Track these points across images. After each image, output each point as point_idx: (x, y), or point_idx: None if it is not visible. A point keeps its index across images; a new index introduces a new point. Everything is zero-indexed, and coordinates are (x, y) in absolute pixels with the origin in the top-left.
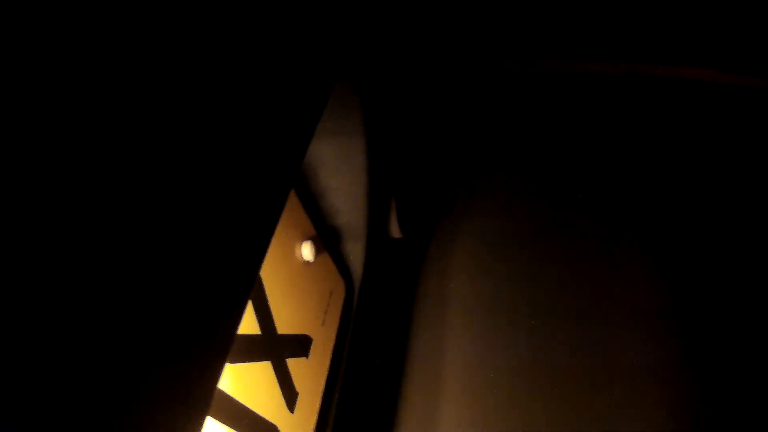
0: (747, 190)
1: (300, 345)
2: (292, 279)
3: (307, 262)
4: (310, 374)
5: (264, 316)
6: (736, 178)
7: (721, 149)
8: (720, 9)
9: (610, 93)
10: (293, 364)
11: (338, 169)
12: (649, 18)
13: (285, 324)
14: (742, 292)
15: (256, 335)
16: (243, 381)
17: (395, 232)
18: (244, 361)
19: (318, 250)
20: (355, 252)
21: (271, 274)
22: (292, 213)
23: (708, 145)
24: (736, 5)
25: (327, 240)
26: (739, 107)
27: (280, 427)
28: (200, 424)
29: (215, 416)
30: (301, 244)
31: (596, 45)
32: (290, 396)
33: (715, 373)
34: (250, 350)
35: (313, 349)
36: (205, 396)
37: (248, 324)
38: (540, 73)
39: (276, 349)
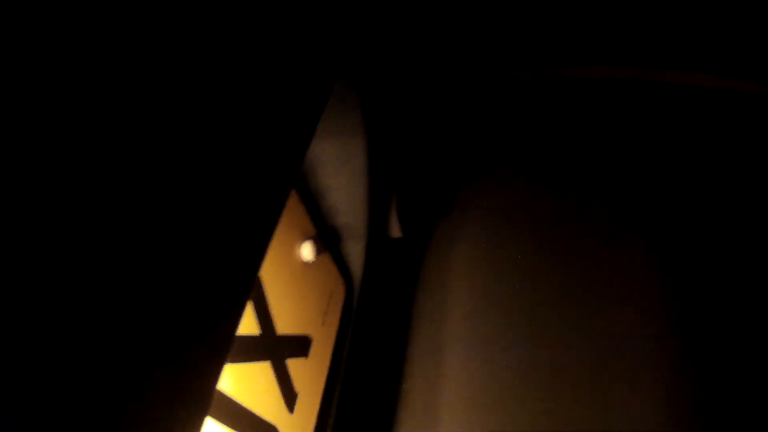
0: (750, 191)
1: (299, 345)
2: (292, 279)
3: (307, 262)
4: (309, 374)
5: (264, 316)
6: (739, 180)
7: (722, 153)
8: (718, 13)
9: (607, 95)
10: (293, 364)
11: (338, 169)
12: (648, 22)
13: (285, 324)
14: (743, 291)
15: (256, 335)
16: (243, 381)
17: (395, 232)
18: (243, 362)
19: (318, 250)
20: (355, 252)
21: (271, 274)
22: (292, 213)
23: (709, 148)
24: (734, 9)
25: (327, 240)
26: (737, 111)
27: (279, 428)
28: (200, 424)
29: (215, 416)
30: (301, 244)
31: (593, 49)
32: (290, 396)
33: (715, 372)
34: (250, 350)
35: (313, 350)
36: (204, 396)
37: (248, 324)
38: (538, 76)
39: (275, 349)
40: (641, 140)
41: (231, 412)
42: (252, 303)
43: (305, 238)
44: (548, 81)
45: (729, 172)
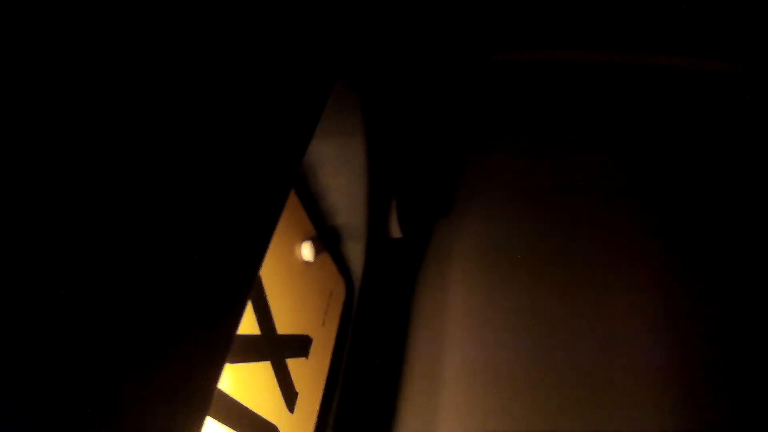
0: (751, 182)
1: (300, 345)
2: (292, 279)
3: (307, 262)
4: (310, 374)
5: (264, 316)
6: (737, 168)
7: (711, 134)
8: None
9: (607, 86)
10: (293, 364)
11: (338, 169)
12: (634, 7)
13: (285, 324)
14: (744, 290)
15: (256, 335)
16: (243, 381)
17: (395, 232)
18: (244, 361)
19: (318, 250)
20: (355, 252)
21: (271, 274)
22: (292, 213)
23: (700, 133)
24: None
25: (327, 240)
26: (720, 92)
27: (279, 427)
28: (200, 424)
29: (215, 416)
30: (301, 244)
31: (581, 34)
32: (290, 396)
33: (719, 371)
34: (250, 350)
35: (313, 349)
36: (205, 396)
37: (248, 324)
38: (533, 67)
39: (276, 349)
40: (642, 133)
41: (231, 411)
42: (252, 303)
43: (305, 238)
44: (546, 79)
45: (736, 158)
